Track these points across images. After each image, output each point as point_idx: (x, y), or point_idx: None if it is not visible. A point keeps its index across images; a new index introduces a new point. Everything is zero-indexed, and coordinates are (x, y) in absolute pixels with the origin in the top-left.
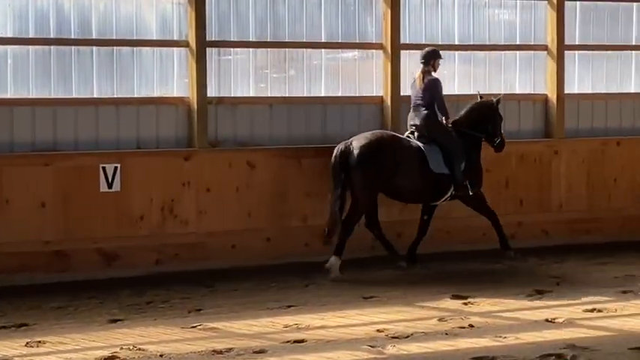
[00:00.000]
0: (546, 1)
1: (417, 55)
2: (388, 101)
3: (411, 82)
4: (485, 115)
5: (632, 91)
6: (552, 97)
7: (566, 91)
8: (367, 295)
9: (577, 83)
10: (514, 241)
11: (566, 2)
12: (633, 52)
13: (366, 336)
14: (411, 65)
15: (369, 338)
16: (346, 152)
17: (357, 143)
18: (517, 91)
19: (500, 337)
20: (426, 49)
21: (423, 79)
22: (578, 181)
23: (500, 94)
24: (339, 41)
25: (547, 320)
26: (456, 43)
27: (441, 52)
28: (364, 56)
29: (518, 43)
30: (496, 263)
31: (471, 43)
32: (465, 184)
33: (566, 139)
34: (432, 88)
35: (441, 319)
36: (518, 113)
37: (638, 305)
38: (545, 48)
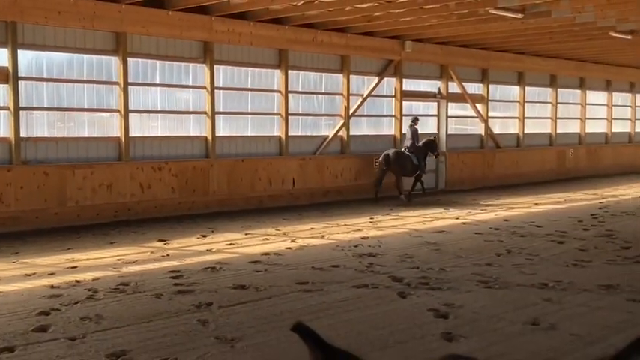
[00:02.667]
0: (205, 90)
1: (143, 116)
2: (123, 140)
3: (406, 129)
4: (430, 142)
5: (249, 135)
6: (209, 137)
7: (217, 135)
8: (112, 241)
9: (222, 130)
10: (195, 210)
11: (215, 90)
12: (249, 115)
13: (111, 262)
14: (139, 122)
15: (113, 264)
16: (387, 156)
17: (392, 153)
18: (191, 134)
19: (183, 259)
20: (415, 116)
21: (412, 127)
22: (223, 181)
23: (435, 134)
24: (95, 107)
25: (207, 250)
26: (159, 109)
27: (150, 114)
28: (109, 116)
29: (191, 109)
30: (181, 223)
31: (167, 109)
32: (424, 169)
33: (218, 159)
34: (414, 132)
35: (152, 252)
36: (192, 146)
37: (253, 239)
38: (205, 112)
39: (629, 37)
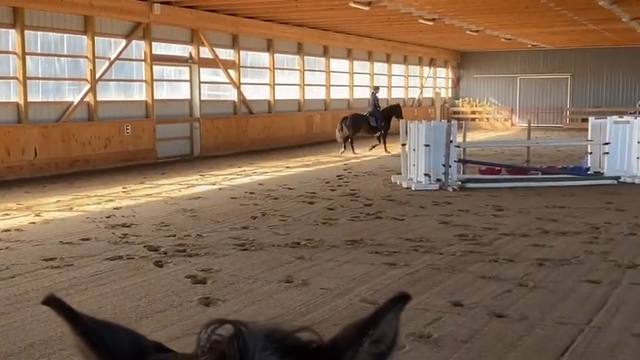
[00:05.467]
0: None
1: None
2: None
3: (370, 95)
4: (394, 107)
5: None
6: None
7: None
8: None
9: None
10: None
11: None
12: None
13: None
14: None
15: None
16: (346, 117)
17: (350, 115)
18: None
19: None
20: (376, 86)
21: (373, 95)
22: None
23: (399, 100)
24: None
25: None
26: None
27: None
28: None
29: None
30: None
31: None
32: (383, 129)
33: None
34: (375, 99)
35: None
36: None
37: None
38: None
39: (367, 7)
